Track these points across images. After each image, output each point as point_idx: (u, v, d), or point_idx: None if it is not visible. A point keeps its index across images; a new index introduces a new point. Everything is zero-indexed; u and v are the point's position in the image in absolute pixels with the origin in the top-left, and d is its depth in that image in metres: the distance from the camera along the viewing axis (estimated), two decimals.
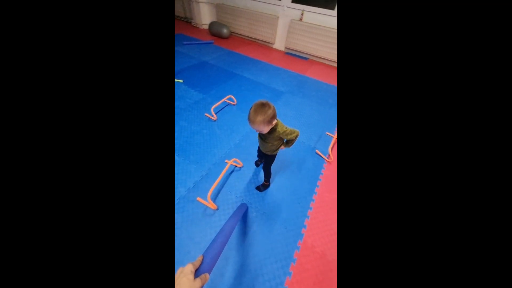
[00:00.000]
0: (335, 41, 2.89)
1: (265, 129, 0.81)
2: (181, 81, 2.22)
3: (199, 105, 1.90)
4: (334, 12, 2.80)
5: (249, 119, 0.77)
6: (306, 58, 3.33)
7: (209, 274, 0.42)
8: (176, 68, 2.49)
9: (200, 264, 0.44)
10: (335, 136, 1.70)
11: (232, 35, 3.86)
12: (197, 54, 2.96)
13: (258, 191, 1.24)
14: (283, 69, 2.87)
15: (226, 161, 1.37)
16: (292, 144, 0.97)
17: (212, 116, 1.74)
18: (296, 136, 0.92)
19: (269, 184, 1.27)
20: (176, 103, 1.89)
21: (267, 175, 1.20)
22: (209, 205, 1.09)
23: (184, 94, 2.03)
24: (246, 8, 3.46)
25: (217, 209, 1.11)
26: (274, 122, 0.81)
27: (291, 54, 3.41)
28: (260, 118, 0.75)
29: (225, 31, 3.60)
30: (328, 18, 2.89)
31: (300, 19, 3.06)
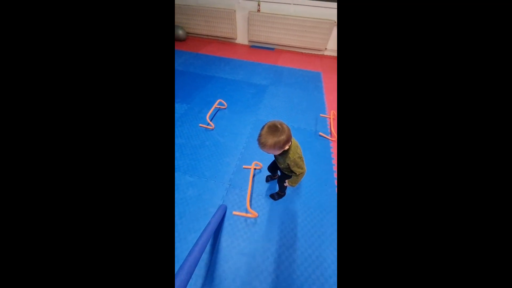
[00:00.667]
0: (296, 28, 3.01)
1: (276, 153, 0.76)
2: None
3: (188, 117, 1.74)
4: (290, 0, 2.89)
5: (259, 140, 0.69)
6: (272, 49, 3.37)
7: None
8: None
9: None
10: (330, 115, 1.82)
11: (189, 36, 3.59)
12: None
13: (273, 199, 1.15)
14: (255, 63, 2.85)
15: (244, 167, 1.32)
16: (296, 183, 0.87)
17: (209, 125, 1.62)
18: (301, 174, 0.83)
19: (285, 194, 1.16)
20: None
21: (282, 189, 1.11)
22: (250, 215, 1.05)
23: None
24: (199, 5, 3.24)
25: (258, 216, 1.08)
26: (287, 147, 0.74)
27: (256, 47, 3.40)
28: (271, 142, 0.67)
29: (180, 32, 3.31)
30: (285, 6, 2.96)
31: (258, 10, 3.05)
